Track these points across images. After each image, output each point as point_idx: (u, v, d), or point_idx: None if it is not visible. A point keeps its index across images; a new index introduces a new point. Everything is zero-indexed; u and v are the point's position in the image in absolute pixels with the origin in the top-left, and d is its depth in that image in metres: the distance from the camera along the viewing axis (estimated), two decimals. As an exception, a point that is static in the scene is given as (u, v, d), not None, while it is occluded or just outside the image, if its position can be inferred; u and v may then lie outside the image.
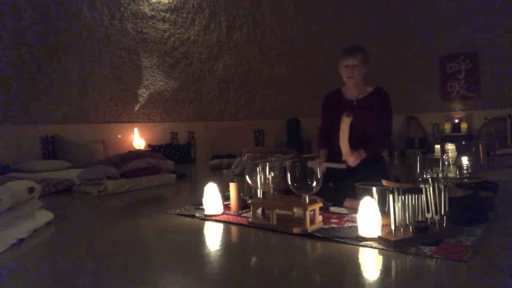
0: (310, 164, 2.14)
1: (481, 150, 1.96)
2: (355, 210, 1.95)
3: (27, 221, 2.05)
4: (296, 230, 1.87)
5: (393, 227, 1.62)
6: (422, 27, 6.44)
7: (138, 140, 5.92)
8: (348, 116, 2.47)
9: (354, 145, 2.54)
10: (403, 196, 1.63)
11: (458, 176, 1.92)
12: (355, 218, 1.85)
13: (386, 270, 1.44)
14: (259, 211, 2.15)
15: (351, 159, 2.46)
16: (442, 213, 1.68)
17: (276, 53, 6.97)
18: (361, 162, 2.49)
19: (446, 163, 1.89)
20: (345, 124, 2.50)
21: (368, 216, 1.69)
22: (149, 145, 6.05)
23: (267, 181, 2.11)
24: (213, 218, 2.25)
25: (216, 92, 6.75)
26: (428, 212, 1.68)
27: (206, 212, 2.31)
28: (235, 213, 2.34)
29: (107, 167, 3.46)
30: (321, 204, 2.00)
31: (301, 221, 1.93)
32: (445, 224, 1.69)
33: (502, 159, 4.33)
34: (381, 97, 2.62)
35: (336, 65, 2.72)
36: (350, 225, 1.97)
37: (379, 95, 2.63)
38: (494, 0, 5.82)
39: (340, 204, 2.37)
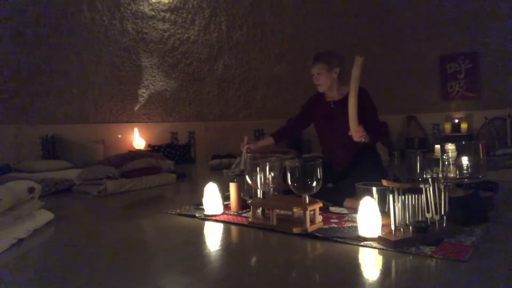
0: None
1: (481, 150, 1.96)
2: (355, 210, 1.95)
3: (27, 221, 2.05)
4: (296, 230, 1.87)
5: (393, 227, 1.62)
6: (422, 27, 6.44)
7: (138, 140, 5.91)
8: (360, 55, 2.16)
9: (341, 148, 2.56)
10: (403, 196, 1.63)
11: (458, 176, 1.92)
12: (355, 218, 1.85)
13: (386, 270, 1.44)
14: (259, 211, 2.15)
15: (358, 129, 2.30)
16: (442, 213, 1.68)
17: (276, 53, 6.97)
18: (359, 160, 2.49)
19: (446, 163, 1.89)
20: (357, 67, 2.18)
21: (368, 216, 1.69)
22: (149, 145, 6.05)
23: (267, 181, 2.11)
24: (213, 218, 2.25)
25: (216, 92, 6.74)
26: (428, 212, 1.68)
27: (206, 212, 2.31)
28: (235, 213, 2.34)
29: (107, 167, 3.46)
30: (321, 204, 2.00)
31: (301, 221, 1.93)
32: (445, 224, 1.69)
33: (502, 159, 4.33)
34: (359, 95, 2.48)
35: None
36: (350, 225, 1.97)
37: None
38: (493, 1, 5.82)
39: (340, 204, 2.38)
